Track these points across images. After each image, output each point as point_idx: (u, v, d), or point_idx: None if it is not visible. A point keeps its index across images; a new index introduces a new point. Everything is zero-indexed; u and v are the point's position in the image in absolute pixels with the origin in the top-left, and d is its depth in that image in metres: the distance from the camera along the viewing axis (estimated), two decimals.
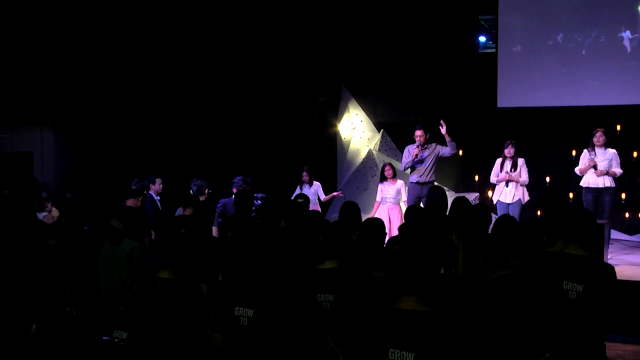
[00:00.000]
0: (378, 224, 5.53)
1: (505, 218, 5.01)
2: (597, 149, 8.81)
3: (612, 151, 8.81)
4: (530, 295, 4.09)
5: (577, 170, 9.01)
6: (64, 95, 10.77)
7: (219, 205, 8.15)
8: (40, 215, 7.99)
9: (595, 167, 8.72)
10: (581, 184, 8.93)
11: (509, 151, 9.09)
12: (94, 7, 10.65)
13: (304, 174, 10.18)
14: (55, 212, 8.37)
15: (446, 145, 9.33)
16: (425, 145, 9.29)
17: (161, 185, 9.02)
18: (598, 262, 3.99)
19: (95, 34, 10.78)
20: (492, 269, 4.63)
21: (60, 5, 10.39)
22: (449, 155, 9.36)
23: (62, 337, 3.98)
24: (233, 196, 7.89)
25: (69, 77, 10.72)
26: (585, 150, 8.94)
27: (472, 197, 11.06)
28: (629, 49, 10.61)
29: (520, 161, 9.10)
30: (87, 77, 10.85)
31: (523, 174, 9.05)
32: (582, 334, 3.90)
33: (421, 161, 9.27)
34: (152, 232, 7.18)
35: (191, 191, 8.33)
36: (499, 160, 9.24)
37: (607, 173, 8.70)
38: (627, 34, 10.61)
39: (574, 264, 3.93)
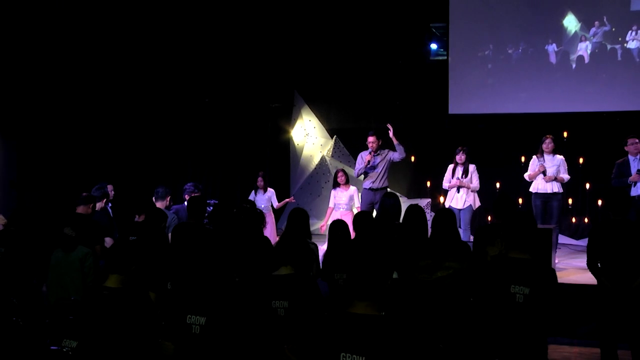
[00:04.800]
0: (342, 226, 5.58)
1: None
2: (545, 155, 8.99)
3: (559, 157, 9.01)
4: (477, 299, 4.15)
5: (526, 176, 9.18)
6: (10, 100, 10.53)
7: (171, 211, 8.06)
8: None
9: (544, 172, 8.90)
10: (530, 189, 9.10)
11: (460, 157, 9.19)
12: (40, 10, 10.45)
13: (259, 179, 10.07)
14: (1, 220, 8.16)
15: (395, 150, 9.38)
16: (378, 152, 9.31)
17: (112, 192, 8.89)
18: (541, 265, 4.08)
19: (42, 37, 10.57)
20: (431, 271, 4.70)
21: (4, 8, 10.18)
22: (399, 159, 9.36)
23: (8, 348, 3.89)
24: (185, 203, 7.82)
25: (15, 81, 10.49)
26: (534, 157, 9.12)
27: (424, 203, 11.18)
28: (585, 60, 10.95)
29: (472, 167, 9.21)
30: (34, 81, 10.63)
31: (474, 180, 9.17)
32: (528, 336, 3.98)
33: (373, 167, 9.29)
34: (105, 239, 7.07)
35: (153, 198, 8.18)
36: (450, 167, 9.33)
37: (556, 179, 8.88)
38: (552, 47, 10.99)
39: (519, 268, 4.02)
